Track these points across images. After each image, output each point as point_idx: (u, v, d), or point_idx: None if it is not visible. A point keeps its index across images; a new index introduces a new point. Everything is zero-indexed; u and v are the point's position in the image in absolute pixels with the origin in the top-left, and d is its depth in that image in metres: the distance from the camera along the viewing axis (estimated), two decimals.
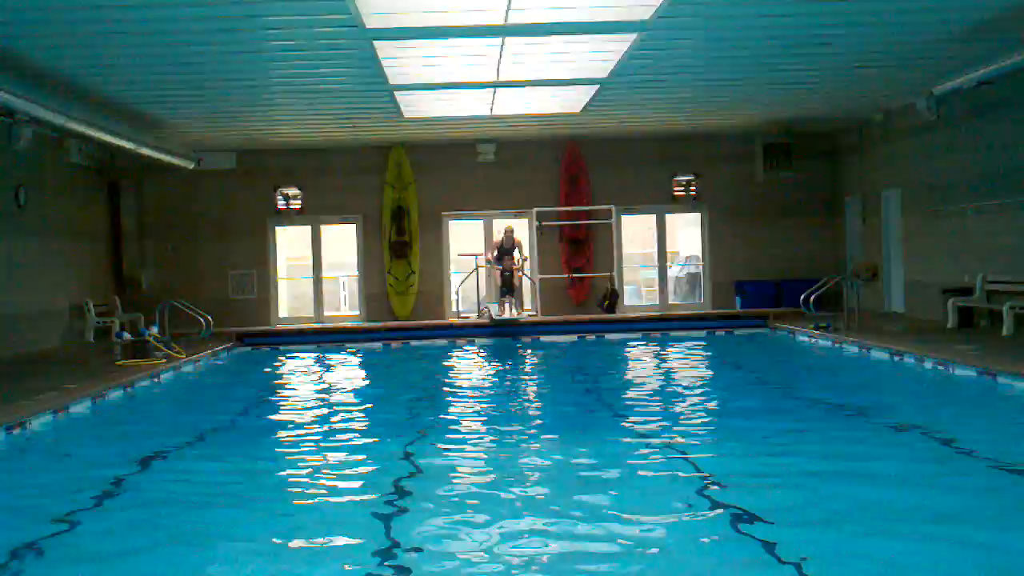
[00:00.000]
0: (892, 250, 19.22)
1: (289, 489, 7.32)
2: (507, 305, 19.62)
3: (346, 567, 5.28)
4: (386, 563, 5.26)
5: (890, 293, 19.38)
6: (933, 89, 14.85)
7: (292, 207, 21.44)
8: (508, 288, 19.73)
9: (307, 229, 21.89)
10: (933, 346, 12.87)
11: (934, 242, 17.33)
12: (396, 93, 15.13)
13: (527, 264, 20.44)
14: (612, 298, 20.64)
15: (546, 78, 14.58)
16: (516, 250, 19.72)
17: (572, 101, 16.52)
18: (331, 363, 16.30)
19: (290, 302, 23.07)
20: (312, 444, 8.99)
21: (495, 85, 14.92)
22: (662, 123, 19.39)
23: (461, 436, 9.14)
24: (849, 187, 21.02)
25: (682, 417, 9.90)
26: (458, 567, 5.18)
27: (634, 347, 17.29)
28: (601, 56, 13.21)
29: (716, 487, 6.69)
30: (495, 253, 19.86)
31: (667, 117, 18.68)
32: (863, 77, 15.21)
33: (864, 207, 20.30)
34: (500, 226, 20.88)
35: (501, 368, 14.96)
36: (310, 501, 6.89)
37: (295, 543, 5.78)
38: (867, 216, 20.18)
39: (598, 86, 15.15)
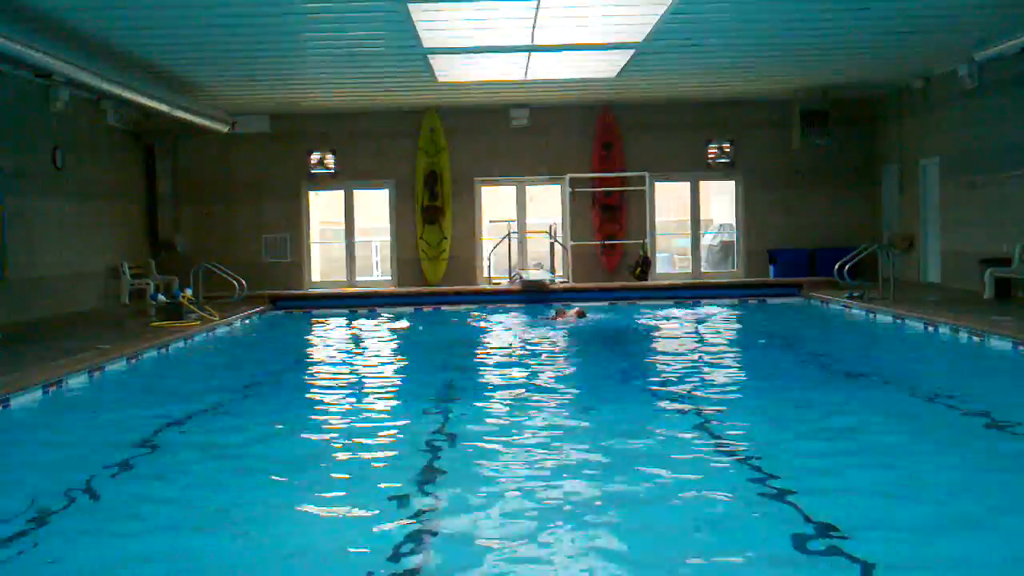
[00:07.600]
0: (929, 219, 18.96)
1: (317, 450, 7.37)
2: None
3: (373, 530, 5.32)
4: (411, 523, 5.32)
5: (926, 263, 19.16)
6: (975, 55, 14.58)
7: (325, 171, 21.49)
8: None
9: (340, 193, 21.93)
10: (969, 317, 12.72)
11: (972, 212, 17.08)
12: (430, 57, 15.08)
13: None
14: (644, 265, 20.56)
15: (581, 42, 14.47)
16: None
17: (607, 66, 16.38)
18: (362, 327, 16.39)
19: (323, 266, 23.21)
20: (342, 404, 9.06)
21: (530, 49, 14.82)
22: (698, 88, 19.20)
23: (490, 398, 9.13)
24: (887, 155, 20.74)
25: (708, 383, 9.90)
26: (487, 525, 5.23)
27: (665, 314, 17.22)
28: (638, 20, 13.06)
29: (735, 448, 6.70)
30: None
31: (703, 82, 18.49)
32: (903, 42, 14.96)
33: (901, 176, 20.02)
34: (533, 193, 20.68)
35: (531, 333, 14.93)
36: (340, 459, 6.95)
37: (322, 506, 5.84)
38: (904, 185, 19.91)
39: (634, 50, 15.01)
